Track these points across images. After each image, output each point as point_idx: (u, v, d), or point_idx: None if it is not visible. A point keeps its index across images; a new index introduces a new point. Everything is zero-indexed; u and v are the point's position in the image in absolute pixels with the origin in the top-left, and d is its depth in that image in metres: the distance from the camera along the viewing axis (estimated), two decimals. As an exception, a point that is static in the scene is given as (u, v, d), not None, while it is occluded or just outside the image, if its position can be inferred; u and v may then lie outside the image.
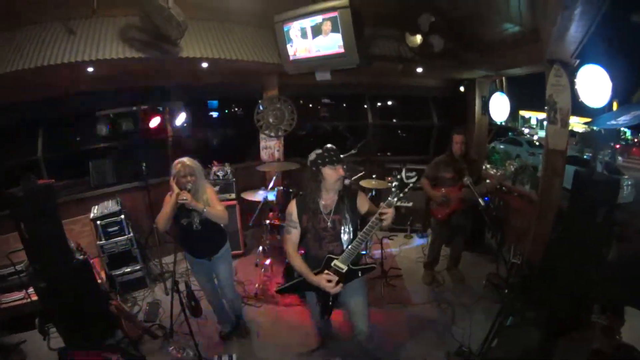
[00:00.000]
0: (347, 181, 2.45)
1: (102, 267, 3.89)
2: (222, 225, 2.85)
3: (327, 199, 2.39)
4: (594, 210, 3.16)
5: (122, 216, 3.89)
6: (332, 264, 2.35)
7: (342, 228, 2.37)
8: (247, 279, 4.15)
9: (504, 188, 4.57)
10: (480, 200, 2.25)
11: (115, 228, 3.87)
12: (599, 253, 3.39)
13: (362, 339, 2.56)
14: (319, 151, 2.34)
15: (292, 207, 2.44)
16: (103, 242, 3.84)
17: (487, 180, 3.78)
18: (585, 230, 3.19)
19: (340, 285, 2.34)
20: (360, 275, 2.43)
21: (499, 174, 4.86)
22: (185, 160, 2.67)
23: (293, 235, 2.44)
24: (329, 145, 2.35)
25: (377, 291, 3.90)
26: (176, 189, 2.57)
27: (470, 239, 4.22)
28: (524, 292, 3.35)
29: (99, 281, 3.30)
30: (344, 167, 2.35)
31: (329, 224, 2.37)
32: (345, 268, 2.34)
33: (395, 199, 2.16)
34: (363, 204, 2.44)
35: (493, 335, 2.79)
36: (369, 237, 2.27)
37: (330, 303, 2.49)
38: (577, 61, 3.60)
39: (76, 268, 3.10)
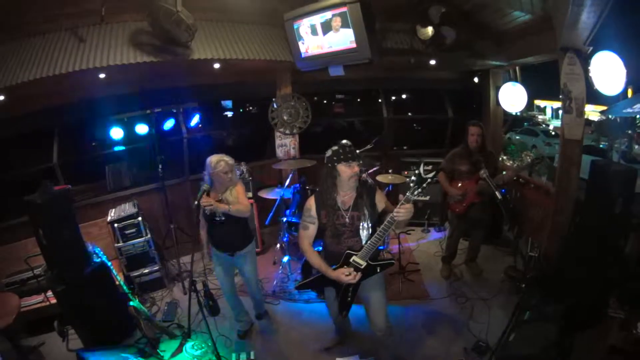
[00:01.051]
0: (365, 176, 2.47)
1: (120, 269, 3.95)
2: (247, 222, 3.01)
3: (345, 195, 2.40)
4: (612, 201, 3.10)
5: (139, 218, 3.95)
6: (352, 260, 2.35)
7: (361, 224, 2.36)
8: (265, 276, 4.18)
9: (520, 180, 4.51)
10: (497, 192, 2.20)
11: (133, 230, 3.94)
12: (617, 245, 3.33)
13: (381, 334, 2.56)
14: (335, 148, 2.35)
15: (311, 203, 2.45)
16: (121, 244, 3.90)
17: (504, 172, 3.73)
18: (603, 221, 3.13)
19: (359, 275, 2.34)
20: (379, 270, 2.43)
21: (515, 165, 4.79)
22: (227, 158, 2.82)
23: (310, 230, 2.45)
24: (344, 142, 2.35)
25: (395, 286, 3.90)
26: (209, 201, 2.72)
27: (488, 232, 4.17)
28: (541, 287, 3.30)
29: (117, 283, 3.35)
30: (360, 163, 2.35)
31: (347, 219, 2.37)
32: (364, 264, 2.34)
33: (414, 194, 2.14)
34: (380, 200, 2.44)
35: (510, 330, 2.77)
36: (387, 233, 2.26)
37: (349, 299, 2.48)
38: (590, 48, 3.51)
39: (94, 271, 3.18)
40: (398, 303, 3.64)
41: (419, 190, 2.13)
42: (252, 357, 3.03)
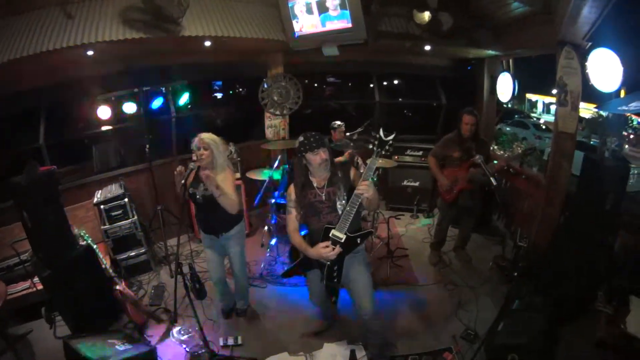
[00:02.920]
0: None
1: (107, 252, 3.88)
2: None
3: (319, 178, 2.48)
4: (603, 197, 3.13)
5: (126, 199, 3.86)
6: (330, 234, 2.39)
7: (337, 198, 2.43)
8: (253, 259, 4.15)
9: (511, 170, 4.53)
10: (492, 178, 2.22)
11: (119, 212, 3.85)
12: (606, 241, 3.37)
13: (367, 318, 2.57)
14: (301, 139, 2.42)
15: (291, 189, 2.54)
16: (107, 226, 3.82)
17: (495, 161, 3.74)
18: (594, 217, 3.17)
19: (338, 248, 2.37)
20: (359, 242, 2.47)
21: (506, 155, 4.83)
22: (203, 134, 2.68)
23: (293, 215, 2.52)
24: (310, 133, 2.41)
25: (383, 271, 3.91)
26: (194, 162, 2.62)
27: (478, 221, 4.18)
28: (530, 277, 3.34)
29: (103, 266, 3.28)
30: (325, 149, 2.39)
31: (323, 196, 2.45)
32: (343, 237, 2.37)
33: (377, 159, 2.29)
34: (353, 175, 2.52)
35: (499, 319, 2.80)
36: (356, 205, 2.32)
37: (335, 279, 2.51)
38: (589, 44, 3.51)
39: (79, 254, 3.10)
40: (386, 288, 3.64)
41: (382, 152, 2.30)
42: (239, 341, 3.02)
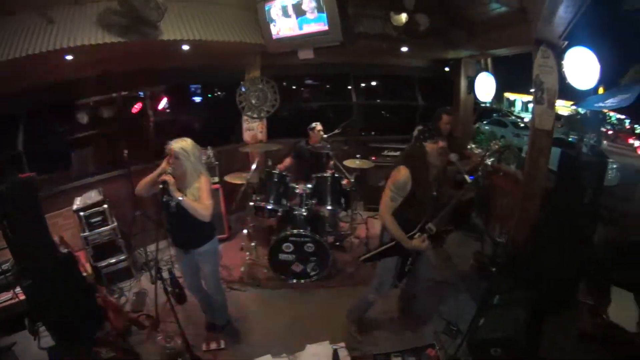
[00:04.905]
0: (453, 156, 2.67)
1: (87, 260, 3.80)
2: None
3: (433, 172, 2.57)
4: (581, 191, 3.18)
5: (105, 205, 3.80)
6: (427, 227, 2.57)
7: (441, 196, 2.63)
8: (233, 263, 4.12)
9: (488, 166, 4.60)
10: (466, 176, 2.29)
11: (99, 218, 3.78)
12: (586, 234, 3.42)
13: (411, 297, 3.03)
14: (420, 127, 2.59)
15: (407, 176, 2.49)
16: (87, 233, 3.74)
17: (470, 159, 3.81)
18: (573, 211, 3.21)
19: (429, 243, 2.58)
20: (444, 236, 2.83)
21: (482, 152, 4.90)
22: (173, 142, 2.54)
23: (397, 203, 2.54)
24: (427, 124, 2.61)
25: (364, 271, 3.92)
26: (164, 164, 2.52)
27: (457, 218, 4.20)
28: (510, 272, 3.37)
29: (85, 274, 3.21)
30: (445, 139, 2.50)
31: (435, 193, 2.60)
32: (435, 230, 2.56)
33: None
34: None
35: (480, 314, 2.81)
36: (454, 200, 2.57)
37: (409, 267, 2.69)
38: (565, 43, 3.57)
39: (60, 262, 3.01)
40: (366, 288, 3.57)
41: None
42: (222, 346, 2.99)
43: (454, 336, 3.05)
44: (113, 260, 3.86)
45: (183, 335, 2.76)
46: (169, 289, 2.83)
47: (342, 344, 2.88)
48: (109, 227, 3.80)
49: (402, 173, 2.49)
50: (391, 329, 3.19)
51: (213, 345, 2.99)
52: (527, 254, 3.42)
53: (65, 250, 3.14)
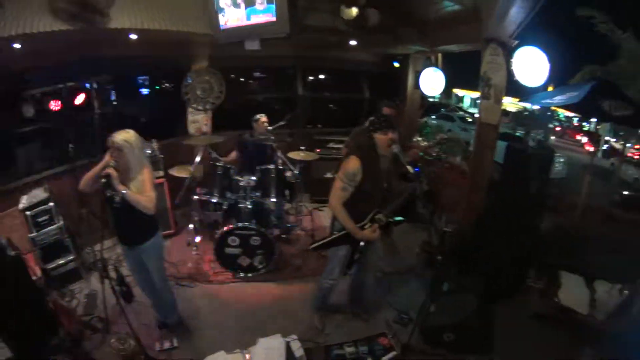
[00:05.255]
0: (395, 147, 2.60)
1: (37, 262, 3.61)
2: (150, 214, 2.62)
3: (382, 162, 2.61)
4: (527, 182, 3.33)
5: (51, 204, 3.62)
6: (377, 217, 2.62)
7: (389, 187, 2.68)
8: (180, 259, 4.04)
9: (431, 157, 4.73)
10: (408, 167, 2.36)
11: (45, 217, 3.59)
12: (533, 223, 3.58)
13: (361, 287, 3.07)
14: (372, 118, 2.58)
15: (357, 166, 2.52)
16: (34, 234, 3.55)
17: (412, 150, 3.93)
18: (519, 200, 3.35)
19: (379, 233, 2.65)
20: (394, 226, 2.81)
21: (426, 144, 5.06)
22: (116, 134, 2.48)
23: (348, 193, 2.56)
24: (381, 114, 2.62)
25: (311, 262, 3.96)
26: (107, 158, 2.46)
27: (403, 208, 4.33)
28: (457, 259, 3.48)
29: (34, 277, 3.06)
30: (395, 131, 2.54)
31: (384, 184, 2.64)
32: (385, 220, 2.63)
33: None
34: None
35: (430, 301, 2.90)
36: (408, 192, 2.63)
37: (358, 256, 2.74)
38: (516, 42, 3.70)
39: (9, 266, 2.83)
40: (314, 279, 3.58)
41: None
42: (175, 344, 2.95)
43: (405, 324, 3.13)
44: (62, 262, 3.68)
45: (136, 337, 2.70)
46: (117, 288, 2.74)
47: (294, 336, 2.88)
48: (55, 226, 3.62)
49: (353, 163, 2.52)
50: (342, 319, 3.24)
51: (166, 345, 2.93)
52: (474, 242, 3.54)
53: (13, 253, 2.95)
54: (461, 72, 8.18)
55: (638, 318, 2.62)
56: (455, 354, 2.84)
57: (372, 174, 2.55)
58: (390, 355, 2.82)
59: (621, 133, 16.69)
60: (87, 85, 4.11)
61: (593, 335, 2.78)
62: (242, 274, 3.79)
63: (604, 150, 20.66)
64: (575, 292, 3.02)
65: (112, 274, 2.84)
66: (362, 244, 2.67)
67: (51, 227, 3.61)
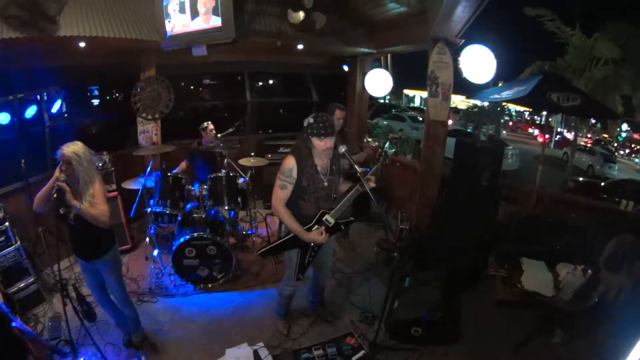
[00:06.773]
0: (342, 149, 2.57)
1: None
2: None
3: (320, 163, 2.57)
4: (479, 175, 3.48)
5: (7, 224, 3.47)
6: (324, 219, 2.58)
7: (334, 188, 2.64)
8: (140, 274, 3.96)
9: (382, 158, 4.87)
10: (357, 167, 2.40)
11: (1, 239, 3.44)
12: (487, 213, 3.74)
13: (320, 289, 3.10)
14: (311, 120, 2.46)
15: (292, 164, 2.50)
16: (-7, 257, 3.42)
17: (362, 151, 3.97)
18: (471, 193, 3.50)
19: (327, 235, 2.58)
20: (342, 227, 2.76)
21: (375, 144, 5.17)
22: (65, 147, 2.40)
23: (287, 191, 2.53)
24: (322, 115, 2.47)
25: (269, 269, 3.99)
26: (57, 173, 2.37)
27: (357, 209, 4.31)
28: (414, 254, 3.60)
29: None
30: (333, 139, 2.47)
31: (325, 183, 2.57)
32: (333, 222, 2.59)
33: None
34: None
35: (393, 297, 2.97)
36: (357, 193, 2.56)
37: (310, 259, 2.71)
38: (462, 41, 3.85)
39: None
40: (274, 285, 3.65)
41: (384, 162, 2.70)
42: (143, 360, 2.89)
43: (370, 322, 3.20)
44: (22, 285, 3.53)
45: (102, 356, 2.67)
46: (78, 307, 2.69)
47: (261, 344, 2.91)
48: (12, 247, 3.48)
49: (288, 161, 2.54)
50: (307, 323, 3.25)
51: (134, 361, 2.88)
52: (430, 236, 3.67)
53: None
54: (411, 73, 8.41)
55: (604, 296, 2.73)
56: (424, 346, 2.92)
57: (309, 173, 2.53)
58: (360, 354, 2.87)
59: (572, 124, 17.54)
60: (37, 97, 3.93)
61: (561, 315, 2.90)
62: (202, 285, 3.74)
63: (556, 140, 21.79)
64: (538, 276, 3.11)
65: (72, 294, 2.76)
66: (312, 245, 2.66)
67: (8, 249, 3.47)
